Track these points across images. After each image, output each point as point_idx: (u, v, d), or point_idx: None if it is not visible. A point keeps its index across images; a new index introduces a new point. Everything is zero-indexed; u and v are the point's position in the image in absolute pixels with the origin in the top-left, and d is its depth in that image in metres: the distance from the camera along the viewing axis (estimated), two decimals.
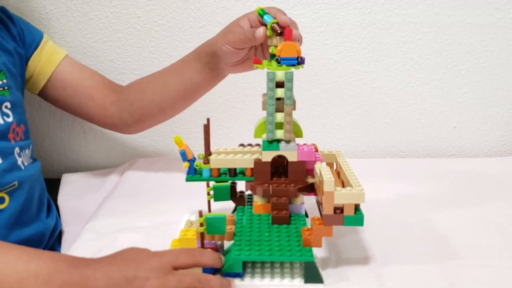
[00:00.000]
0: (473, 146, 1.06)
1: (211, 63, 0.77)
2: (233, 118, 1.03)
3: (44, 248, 0.77)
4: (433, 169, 0.94)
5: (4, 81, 0.73)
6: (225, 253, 0.57)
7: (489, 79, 1.02)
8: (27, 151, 0.76)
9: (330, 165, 0.67)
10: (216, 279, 0.52)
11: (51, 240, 0.80)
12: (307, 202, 0.64)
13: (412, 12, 0.97)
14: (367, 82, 1.01)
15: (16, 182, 0.71)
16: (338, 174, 0.65)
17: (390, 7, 0.96)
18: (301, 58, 0.58)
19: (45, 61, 0.82)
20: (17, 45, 0.78)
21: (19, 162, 0.72)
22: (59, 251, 0.80)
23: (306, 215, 0.65)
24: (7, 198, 0.70)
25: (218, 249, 0.57)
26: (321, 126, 1.04)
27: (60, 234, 0.83)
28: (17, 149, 0.72)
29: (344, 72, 1.00)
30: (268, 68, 0.58)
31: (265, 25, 0.65)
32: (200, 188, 0.67)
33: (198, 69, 0.79)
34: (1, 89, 0.72)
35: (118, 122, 0.86)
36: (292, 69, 0.58)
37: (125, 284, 0.49)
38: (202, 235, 0.55)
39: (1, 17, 0.77)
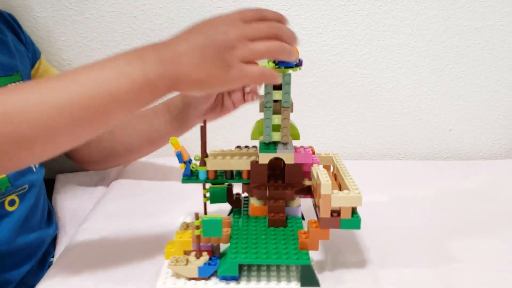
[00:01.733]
0: (469, 148, 1.07)
1: (180, 114, 0.76)
2: (229, 119, 1.02)
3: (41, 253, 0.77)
4: (429, 172, 0.94)
5: (20, 82, 0.72)
6: (221, 256, 0.56)
7: (485, 82, 1.02)
8: None
9: (327, 167, 0.66)
10: (286, 28, 0.52)
11: (48, 245, 0.79)
12: (303, 205, 0.63)
13: (409, 14, 0.97)
14: (364, 84, 1.01)
15: (26, 186, 0.71)
16: (335, 176, 0.65)
17: (387, 9, 0.96)
18: (299, 60, 0.58)
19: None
20: (28, 52, 0.78)
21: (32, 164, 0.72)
22: (53, 254, 0.79)
23: (303, 218, 0.65)
24: (17, 200, 0.70)
25: (214, 251, 0.57)
26: (317, 128, 1.04)
27: (54, 236, 0.83)
28: None
29: (341, 74, 1.00)
30: None
31: None
32: (195, 190, 0.67)
33: (167, 119, 0.78)
34: None
35: (86, 158, 0.85)
36: (290, 71, 0.57)
37: (210, 43, 0.49)
38: (198, 238, 0.55)
39: (12, 25, 0.77)
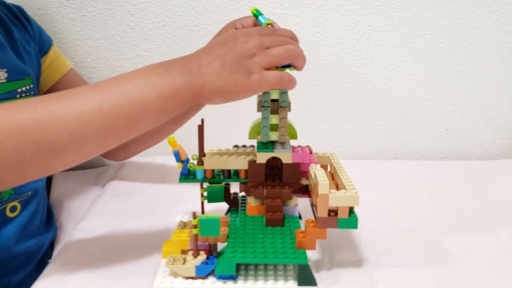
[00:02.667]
0: (466, 148, 1.07)
1: None
2: (227, 118, 1.03)
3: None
4: (425, 172, 0.94)
5: (31, 86, 0.72)
6: (219, 255, 0.56)
7: (482, 83, 1.02)
8: None
9: (324, 167, 0.66)
10: (297, 45, 0.56)
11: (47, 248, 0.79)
12: (300, 204, 0.63)
13: (407, 14, 0.97)
14: (362, 84, 1.01)
15: (30, 192, 0.71)
16: (333, 176, 0.65)
17: (385, 9, 0.97)
18: None
19: (49, 71, 0.82)
20: (35, 45, 0.78)
21: None
22: (51, 255, 0.79)
23: (300, 217, 0.65)
24: (19, 207, 0.70)
25: (211, 250, 0.57)
26: (314, 128, 1.04)
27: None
28: None
29: (339, 73, 1.00)
30: None
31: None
32: (192, 189, 0.67)
33: None
34: (29, 94, 0.71)
35: None
36: (288, 70, 0.57)
37: (231, 52, 0.52)
38: (195, 237, 0.55)
39: (20, 18, 0.77)
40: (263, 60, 0.53)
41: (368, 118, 1.04)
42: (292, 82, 0.54)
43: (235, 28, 0.70)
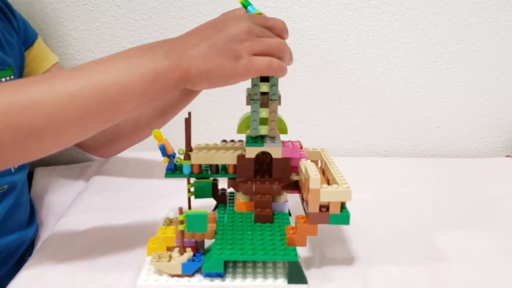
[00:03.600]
0: (456, 146, 1.06)
1: None
2: (214, 113, 1.01)
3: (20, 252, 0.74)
4: (415, 169, 0.93)
5: (11, 77, 0.70)
6: (205, 252, 0.54)
7: (473, 80, 1.01)
8: None
9: (314, 162, 0.65)
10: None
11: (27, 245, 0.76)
12: (289, 201, 0.62)
13: (399, 9, 0.96)
14: (352, 80, 1.00)
15: (6, 186, 0.68)
16: (323, 172, 0.63)
17: (377, 4, 0.95)
18: None
19: (33, 64, 0.79)
20: (18, 38, 0.75)
21: None
22: (31, 253, 0.77)
23: (289, 214, 0.63)
24: None
25: (198, 247, 0.55)
26: (303, 123, 1.03)
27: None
28: None
29: (329, 69, 0.99)
30: None
31: None
32: (178, 185, 0.65)
33: None
34: None
35: (91, 143, 0.82)
36: None
37: (220, 35, 0.50)
38: (182, 233, 0.53)
39: (4, 10, 0.74)
40: (253, 45, 0.51)
41: (358, 115, 1.02)
42: (281, 70, 0.52)
43: None
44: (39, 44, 0.81)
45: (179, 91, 0.72)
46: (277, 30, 0.55)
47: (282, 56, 0.53)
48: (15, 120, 0.45)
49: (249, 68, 0.51)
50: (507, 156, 1.05)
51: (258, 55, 0.51)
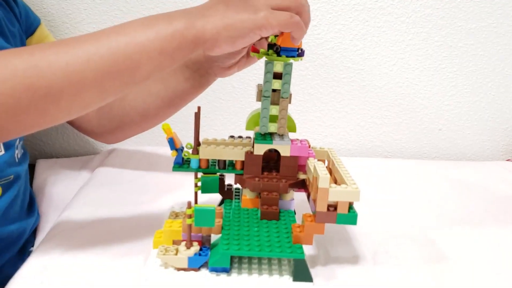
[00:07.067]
0: (457, 149, 1.07)
1: (200, 70, 0.71)
2: (218, 109, 1.01)
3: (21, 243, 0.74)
4: (416, 171, 0.93)
5: None
6: (212, 247, 0.55)
7: (476, 83, 1.02)
8: (22, 141, 0.73)
9: (321, 162, 0.65)
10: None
11: (28, 234, 0.76)
12: (294, 200, 0.62)
13: (405, 11, 0.96)
14: (356, 80, 1.00)
15: (12, 176, 0.68)
16: (330, 171, 0.63)
17: (383, 5, 0.95)
18: (301, 50, 0.56)
19: None
20: (20, 26, 0.74)
21: (15, 154, 0.70)
22: (33, 243, 0.76)
23: (294, 212, 0.63)
24: (0, 190, 0.67)
25: (204, 242, 0.55)
26: (306, 123, 1.03)
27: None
28: (18, 140, 0.70)
29: (334, 68, 0.99)
30: (266, 58, 0.56)
31: None
32: (183, 179, 0.64)
33: (185, 77, 0.72)
34: None
35: (97, 128, 0.80)
36: (292, 60, 0.55)
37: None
38: (189, 227, 0.53)
39: None
40: (271, 1, 0.50)
41: (361, 115, 1.03)
42: (301, 26, 0.51)
43: None
44: (41, 31, 0.80)
45: (190, 83, 0.73)
46: None
47: (301, 12, 0.52)
48: (33, 81, 0.46)
49: (269, 18, 0.49)
50: (507, 160, 1.05)
51: (278, 9, 0.51)
